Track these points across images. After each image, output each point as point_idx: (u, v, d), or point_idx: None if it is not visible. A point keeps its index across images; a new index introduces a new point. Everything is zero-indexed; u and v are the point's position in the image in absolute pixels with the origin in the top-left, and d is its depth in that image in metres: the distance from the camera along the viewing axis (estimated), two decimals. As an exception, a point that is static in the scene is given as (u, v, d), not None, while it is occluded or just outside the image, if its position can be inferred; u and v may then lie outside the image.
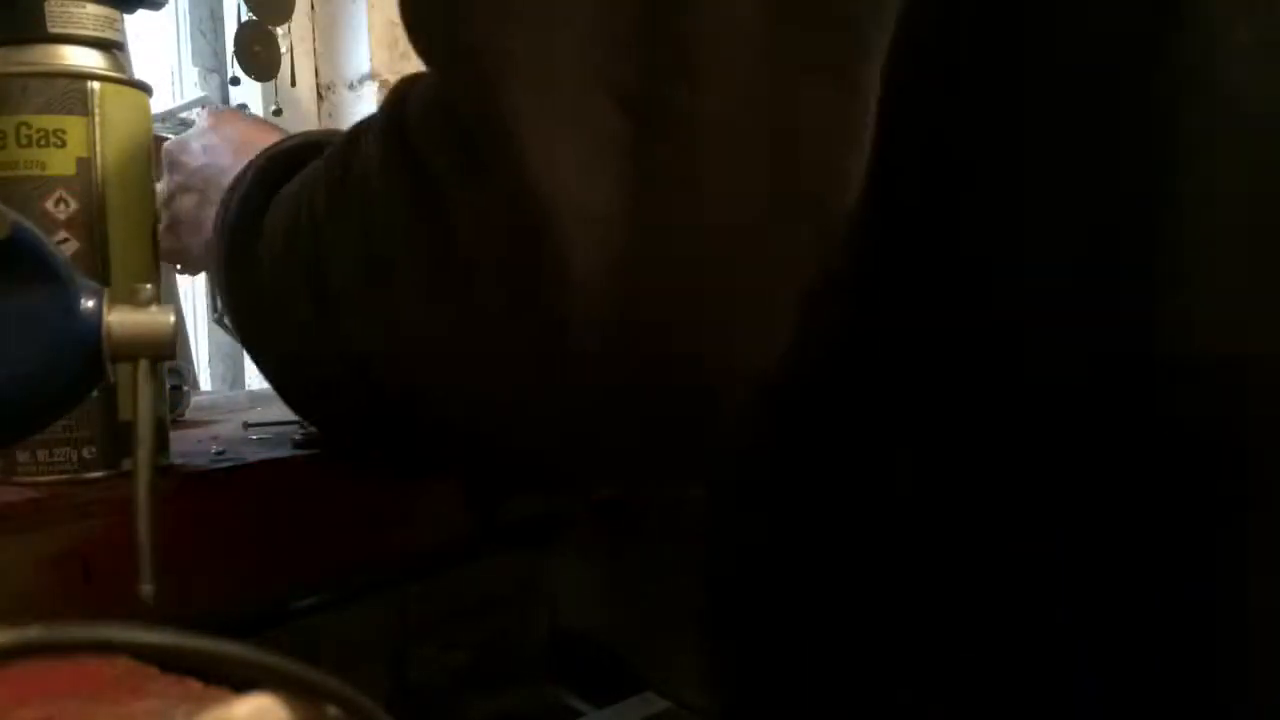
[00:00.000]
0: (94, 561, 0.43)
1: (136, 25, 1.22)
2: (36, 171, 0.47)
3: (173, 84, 1.29)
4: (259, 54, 1.18)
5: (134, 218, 0.50)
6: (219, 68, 1.30)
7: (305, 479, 0.54)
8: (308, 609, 0.61)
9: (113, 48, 0.50)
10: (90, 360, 0.35)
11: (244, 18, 1.17)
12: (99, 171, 0.48)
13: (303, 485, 0.54)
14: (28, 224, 0.34)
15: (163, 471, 0.49)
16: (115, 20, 0.50)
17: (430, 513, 0.61)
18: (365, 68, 1.35)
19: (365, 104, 1.35)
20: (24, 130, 0.47)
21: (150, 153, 0.51)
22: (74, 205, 0.47)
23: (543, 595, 1.27)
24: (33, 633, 0.17)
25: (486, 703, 1.06)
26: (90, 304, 0.35)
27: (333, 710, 0.17)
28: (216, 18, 1.29)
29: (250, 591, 0.51)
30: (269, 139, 0.58)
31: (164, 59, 1.29)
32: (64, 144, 0.47)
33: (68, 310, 0.35)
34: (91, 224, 0.48)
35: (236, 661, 0.16)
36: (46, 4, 0.47)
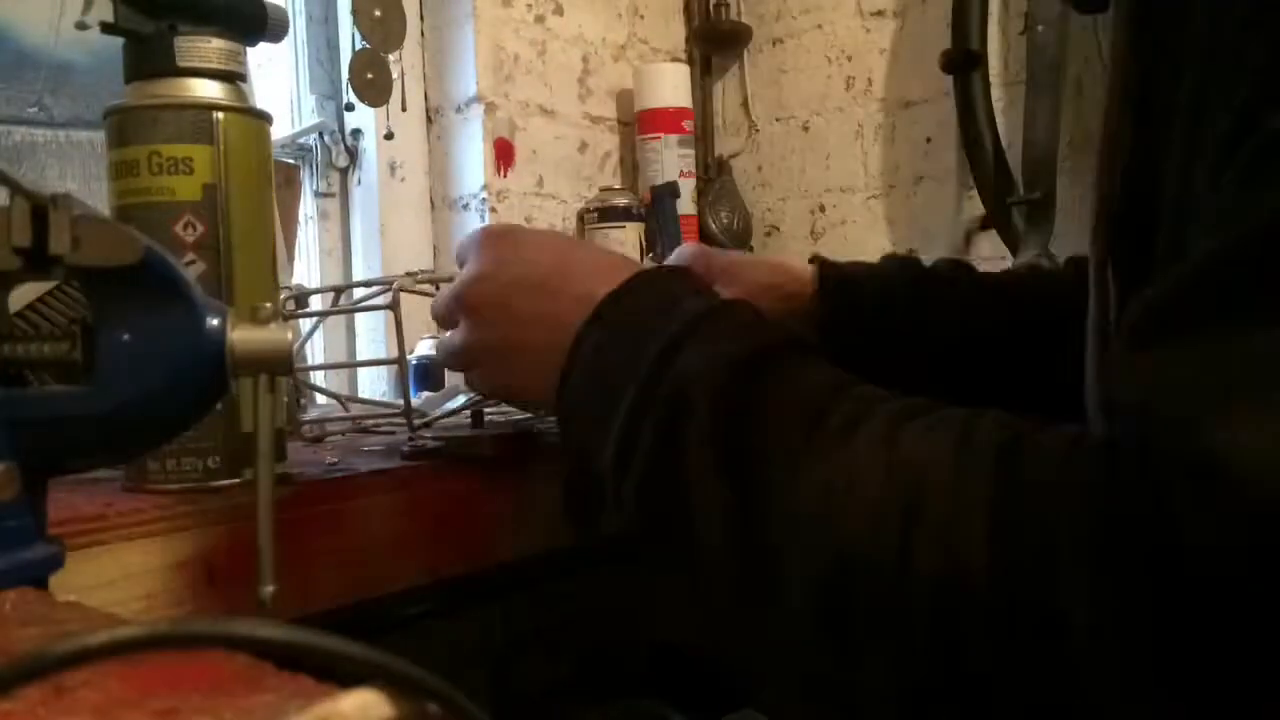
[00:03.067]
0: (217, 565, 0.46)
1: (258, 55, 1.28)
2: (167, 197, 0.50)
3: (292, 111, 1.35)
4: (372, 80, 1.23)
5: (256, 239, 0.52)
6: (335, 94, 1.36)
7: (413, 489, 0.56)
8: (412, 616, 0.63)
9: (235, 79, 0.53)
10: (215, 375, 0.37)
11: (358, 46, 1.22)
12: (224, 196, 0.50)
13: (411, 495, 0.55)
14: (158, 247, 0.36)
15: (281, 480, 0.51)
16: (238, 54, 0.53)
17: (535, 524, 0.62)
18: (472, 91, 1.38)
19: (472, 125, 1.39)
20: (155, 159, 0.50)
21: (271, 177, 0.54)
22: (201, 229, 0.50)
23: (644, 608, 1.27)
24: (161, 627, 0.18)
25: (587, 713, 1.07)
26: (215, 322, 0.37)
27: (433, 708, 0.18)
28: (333, 47, 1.35)
29: (361, 595, 0.52)
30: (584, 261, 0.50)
31: (284, 87, 1.35)
32: (191, 171, 0.50)
33: (194, 328, 0.36)
34: (217, 246, 0.50)
35: (345, 657, 0.17)
36: (176, 40, 0.50)
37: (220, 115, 0.50)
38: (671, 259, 0.69)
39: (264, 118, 0.54)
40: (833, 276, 0.68)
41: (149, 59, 0.51)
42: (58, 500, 0.40)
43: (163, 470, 0.50)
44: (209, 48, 0.51)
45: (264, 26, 0.53)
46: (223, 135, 0.50)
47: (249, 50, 0.54)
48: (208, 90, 0.51)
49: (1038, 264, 1.14)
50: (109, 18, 0.50)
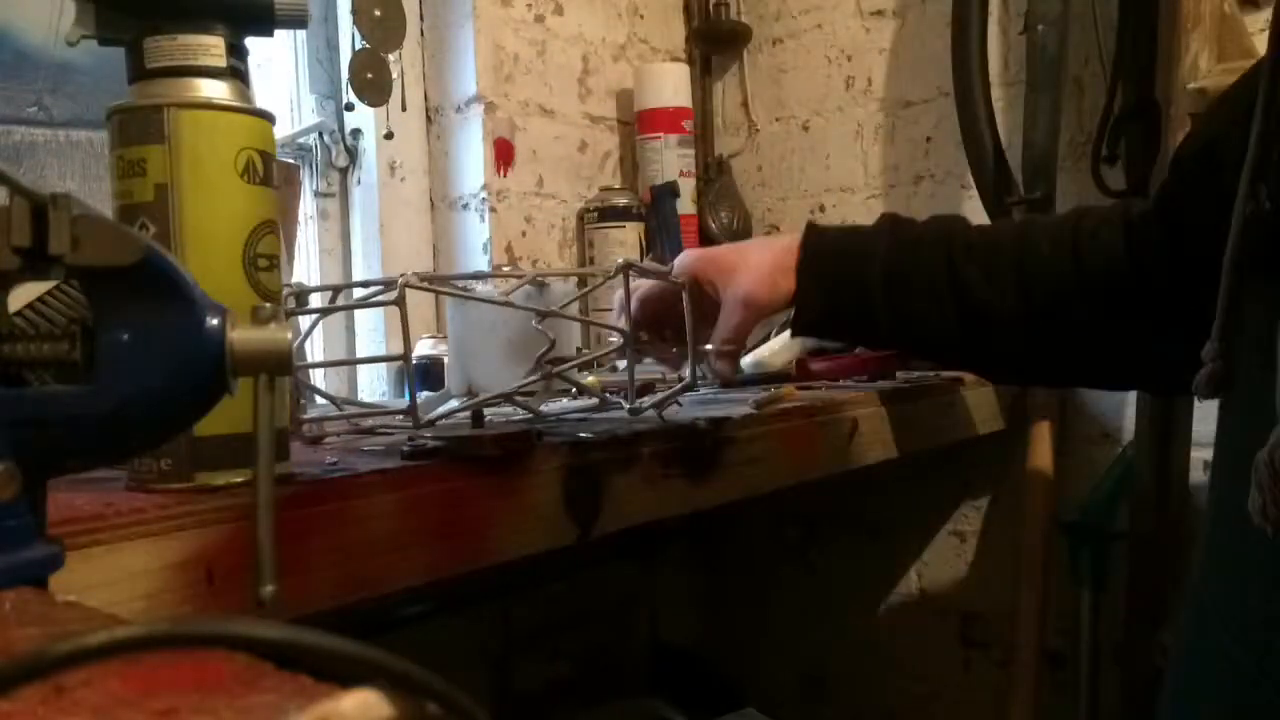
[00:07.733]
0: (217, 565, 0.46)
1: (259, 55, 1.28)
2: (128, 200, 0.49)
3: (292, 111, 1.35)
4: (372, 80, 1.23)
5: (215, 237, 0.50)
6: (334, 94, 1.36)
7: (413, 489, 0.56)
8: (415, 616, 0.63)
9: (199, 74, 0.50)
10: (215, 375, 0.37)
11: (358, 46, 1.22)
12: (175, 195, 0.49)
13: (411, 495, 0.55)
14: (159, 248, 0.36)
15: (282, 480, 0.51)
16: (208, 47, 0.50)
17: (535, 524, 0.62)
18: (471, 90, 1.38)
19: (472, 125, 1.39)
20: (120, 163, 0.49)
21: (245, 170, 0.51)
22: (153, 229, 0.49)
23: (644, 608, 1.27)
24: (161, 627, 0.18)
25: (588, 713, 1.07)
26: (215, 322, 0.37)
27: (432, 707, 0.18)
28: (333, 46, 1.35)
29: (361, 595, 0.52)
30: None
31: (284, 87, 1.35)
32: (144, 172, 0.49)
33: (194, 328, 0.36)
34: (169, 247, 0.48)
35: (345, 657, 0.17)
36: (145, 41, 0.49)
37: (170, 112, 0.49)
38: (676, 267, 0.85)
39: (229, 109, 0.50)
40: (812, 252, 0.85)
41: (130, 64, 0.50)
42: (58, 500, 0.40)
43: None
44: (172, 45, 0.49)
45: (268, 16, 0.51)
46: (172, 132, 0.49)
47: (251, 47, 0.53)
48: (159, 88, 0.49)
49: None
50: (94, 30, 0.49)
